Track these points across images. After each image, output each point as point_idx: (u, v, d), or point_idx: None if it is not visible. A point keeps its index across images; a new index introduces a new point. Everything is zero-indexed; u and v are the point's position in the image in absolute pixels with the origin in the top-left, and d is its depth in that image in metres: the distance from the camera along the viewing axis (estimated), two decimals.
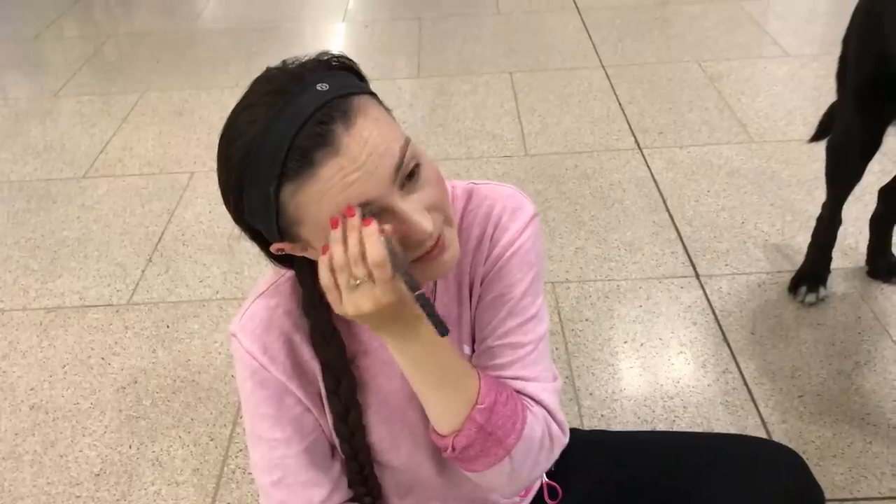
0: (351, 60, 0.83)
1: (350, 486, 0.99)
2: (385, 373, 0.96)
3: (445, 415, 0.87)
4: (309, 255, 0.85)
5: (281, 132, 0.74)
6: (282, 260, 0.89)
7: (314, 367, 0.92)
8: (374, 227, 0.75)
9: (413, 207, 0.78)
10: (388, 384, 0.96)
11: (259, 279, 0.96)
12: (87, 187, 2.73)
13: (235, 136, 0.77)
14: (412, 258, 0.81)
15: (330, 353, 0.90)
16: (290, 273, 0.93)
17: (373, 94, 0.82)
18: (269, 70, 0.81)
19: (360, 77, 0.83)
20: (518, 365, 0.93)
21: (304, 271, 0.89)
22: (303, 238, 0.81)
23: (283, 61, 0.81)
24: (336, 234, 0.76)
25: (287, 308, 0.92)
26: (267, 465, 0.94)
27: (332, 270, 0.78)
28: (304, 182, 0.74)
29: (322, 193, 0.75)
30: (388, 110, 0.83)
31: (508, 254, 0.93)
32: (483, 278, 0.95)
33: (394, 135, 0.78)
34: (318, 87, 0.76)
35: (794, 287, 2.02)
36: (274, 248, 0.84)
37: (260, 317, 0.92)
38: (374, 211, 0.77)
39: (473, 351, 0.98)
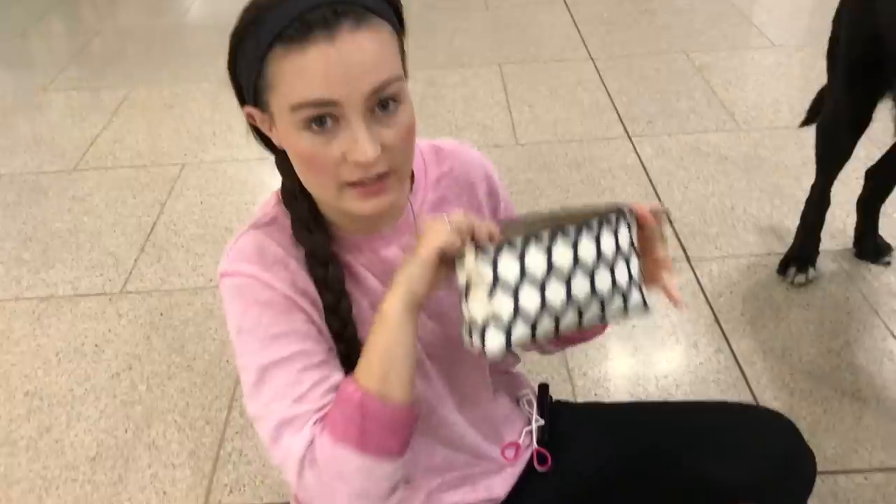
0: (399, 2, 0.86)
1: None
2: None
3: None
4: (273, 136, 0.88)
5: (296, 4, 0.77)
6: (264, 142, 0.92)
7: (314, 293, 0.91)
8: None
9: (368, 132, 0.80)
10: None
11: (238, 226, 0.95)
12: (77, 180, 2.72)
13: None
14: (349, 180, 0.82)
15: (315, 243, 0.90)
16: (272, 211, 0.93)
17: (397, 33, 0.84)
18: None
19: (400, 19, 0.86)
20: None
21: (285, 160, 0.90)
22: (270, 109, 0.83)
23: None
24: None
25: (276, 239, 0.91)
26: (287, 385, 0.86)
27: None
28: (292, 51, 0.77)
29: (301, 70, 0.77)
30: (404, 55, 0.85)
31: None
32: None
33: (391, 63, 0.81)
34: None
35: (783, 268, 2.04)
36: (245, 110, 0.88)
37: (251, 247, 0.90)
38: (333, 115, 0.79)
39: None
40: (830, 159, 1.90)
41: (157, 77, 3.46)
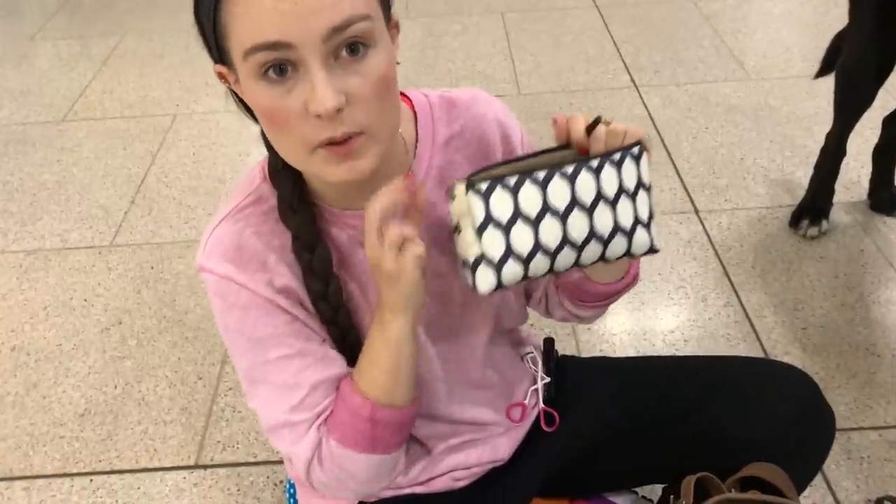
0: None
1: None
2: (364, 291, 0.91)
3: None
4: (243, 96, 0.79)
5: None
6: (246, 108, 0.83)
7: (296, 287, 0.85)
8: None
9: (328, 78, 0.70)
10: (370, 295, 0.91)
11: (220, 204, 0.89)
12: (66, 130, 2.63)
13: None
14: (315, 140, 0.73)
15: (300, 227, 0.83)
16: (256, 190, 0.87)
17: None
18: None
19: None
20: None
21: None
22: (232, 63, 0.75)
23: None
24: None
25: (255, 227, 0.84)
26: (285, 389, 0.85)
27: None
28: None
29: (250, 8, 0.69)
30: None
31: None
32: None
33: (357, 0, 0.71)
34: None
35: (795, 220, 1.97)
36: (216, 69, 0.79)
37: (227, 239, 0.84)
38: (292, 62, 0.70)
39: None
40: (850, 106, 1.81)
41: (148, 26, 3.35)
